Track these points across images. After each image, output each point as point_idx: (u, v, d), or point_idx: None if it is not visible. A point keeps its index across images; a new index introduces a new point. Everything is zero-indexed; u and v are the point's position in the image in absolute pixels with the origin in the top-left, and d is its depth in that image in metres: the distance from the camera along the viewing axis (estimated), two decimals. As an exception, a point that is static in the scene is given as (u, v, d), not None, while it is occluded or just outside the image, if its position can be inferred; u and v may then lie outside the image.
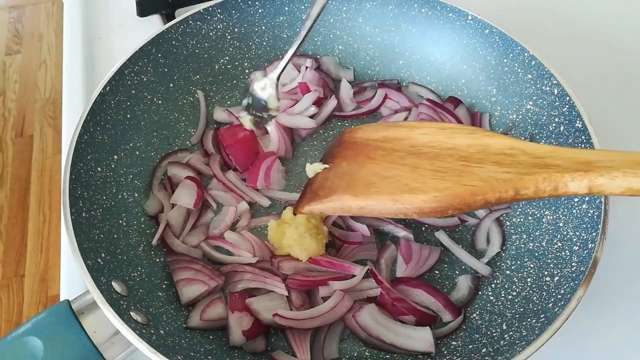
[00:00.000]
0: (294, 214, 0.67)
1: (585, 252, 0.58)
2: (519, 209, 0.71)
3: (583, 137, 0.66)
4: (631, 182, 0.42)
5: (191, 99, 0.82)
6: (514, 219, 0.71)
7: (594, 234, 0.58)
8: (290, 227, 0.65)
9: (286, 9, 0.85)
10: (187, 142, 0.80)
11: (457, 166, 0.53)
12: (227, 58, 0.85)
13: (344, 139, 0.67)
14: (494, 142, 0.53)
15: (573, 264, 0.59)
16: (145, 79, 0.76)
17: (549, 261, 0.63)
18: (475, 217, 0.73)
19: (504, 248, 0.70)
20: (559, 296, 0.56)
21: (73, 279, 0.70)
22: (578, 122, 0.67)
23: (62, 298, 0.66)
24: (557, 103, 0.70)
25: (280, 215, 0.70)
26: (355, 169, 0.60)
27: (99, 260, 0.58)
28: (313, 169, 0.66)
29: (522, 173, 0.48)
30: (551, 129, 0.71)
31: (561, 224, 0.64)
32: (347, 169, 0.61)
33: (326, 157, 0.68)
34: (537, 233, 0.67)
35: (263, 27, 0.86)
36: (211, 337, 0.62)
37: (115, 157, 0.70)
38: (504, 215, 0.72)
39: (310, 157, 0.79)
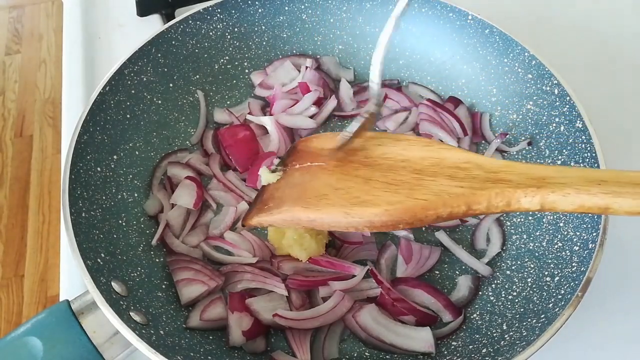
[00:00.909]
0: (242, 225, 0.64)
1: (585, 252, 0.58)
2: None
3: (583, 137, 0.65)
4: (584, 200, 0.42)
5: (191, 98, 0.82)
6: (514, 219, 0.71)
7: (594, 234, 0.58)
8: (290, 227, 0.64)
9: (286, 8, 0.85)
10: (187, 142, 0.80)
11: (411, 179, 0.52)
12: (227, 58, 0.85)
13: (299, 148, 0.65)
14: (449, 155, 0.52)
15: (573, 264, 0.59)
16: (145, 79, 0.76)
17: (550, 261, 0.63)
18: (476, 217, 0.72)
19: (504, 248, 0.70)
20: (560, 296, 0.56)
21: (73, 279, 0.70)
22: (578, 122, 0.67)
23: (61, 298, 0.66)
24: (557, 103, 0.70)
25: None
26: (307, 179, 0.58)
27: (99, 260, 0.58)
28: (267, 178, 0.63)
29: (475, 188, 0.48)
30: (551, 129, 0.71)
31: (561, 224, 0.64)
32: (300, 179, 0.59)
33: (280, 165, 0.65)
34: (537, 233, 0.67)
35: (263, 27, 0.86)
36: (211, 337, 0.62)
37: (115, 157, 0.70)
38: (504, 215, 0.72)
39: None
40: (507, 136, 0.76)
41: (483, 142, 0.80)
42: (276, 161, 0.70)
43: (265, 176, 0.63)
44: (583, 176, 0.43)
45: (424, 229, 0.72)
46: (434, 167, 0.52)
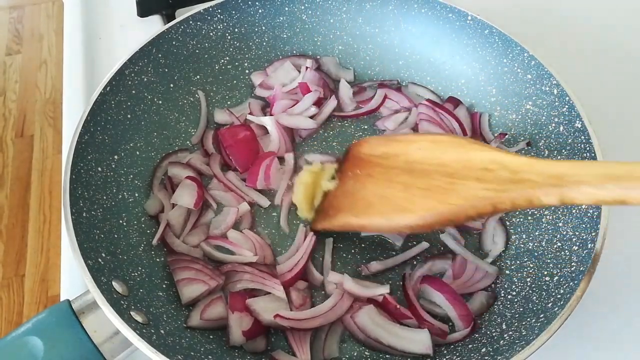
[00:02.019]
0: (311, 230, 0.71)
1: (584, 252, 0.58)
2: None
3: (582, 137, 0.66)
4: (600, 196, 0.46)
5: (191, 99, 0.82)
6: (513, 219, 0.71)
7: (593, 233, 0.58)
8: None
9: (286, 9, 0.86)
10: (188, 142, 0.80)
11: (444, 184, 0.57)
12: (227, 58, 0.85)
13: (352, 154, 0.72)
14: (477, 156, 0.57)
15: (572, 264, 0.59)
16: (145, 79, 0.76)
17: (549, 261, 0.63)
18: (480, 220, 0.72)
19: (504, 248, 0.70)
20: (559, 296, 0.57)
21: (73, 278, 0.70)
22: (577, 122, 0.67)
23: (62, 298, 0.66)
24: (556, 103, 0.71)
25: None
26: (358, 189, 0.66)
27: (100, 260, 0.58)
28: (326, 186, 0.71)
29: (499, 190, 0.52)
30: (551, 129, 0.71)
31: (561, 224, 0.65)
32: (352, 188, 0.67)
33: (337, 170, 0.73)
34: (536, 233, 0.67)
35: (263, 28, 0.86)
36: (211, 336, 0.62)
37: (116, 157, 0.70)
38: (504, 214, 0.72)
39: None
40: (506, 136, 0.77)
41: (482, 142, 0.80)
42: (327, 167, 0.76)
43: (325, 185, 0.71)
44: (599, 173, 0.46)
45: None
46: (465, 169, 0.57)
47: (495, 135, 0.78)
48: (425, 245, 0.69)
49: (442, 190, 0.57)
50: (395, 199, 0.60)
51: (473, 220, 0.68)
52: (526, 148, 0.74)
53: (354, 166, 0.70)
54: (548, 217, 0.67)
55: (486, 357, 0.56)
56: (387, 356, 0.62)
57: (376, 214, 0.61)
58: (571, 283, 0.56)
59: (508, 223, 0.71)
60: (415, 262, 0.69)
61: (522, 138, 0.75)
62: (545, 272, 0.62)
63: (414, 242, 0.70)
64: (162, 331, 0.57)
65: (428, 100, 0.81)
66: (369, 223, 0.62)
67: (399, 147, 0.65)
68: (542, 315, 0.56)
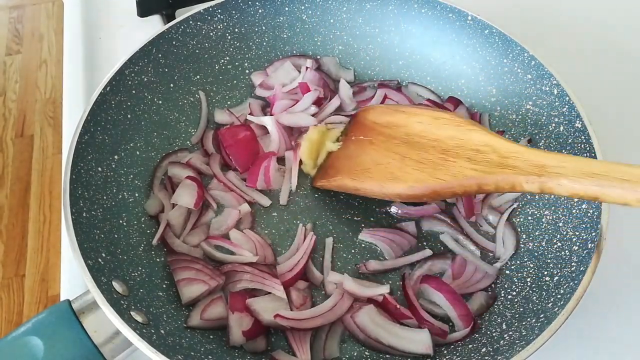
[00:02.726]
0: (312, 185, 0.76)
1: (584, 252, 0.58)
2: (519, 209, 0.71)
3: (582, 137, 0.66)
4: (576, 189, 0.49)
5: (191, 99, 0.82)
6: (513, 219, 0.71)
7: (593, 233, 0.58)
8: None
9: (286, 9, 0.86)
10: (188, 142, 0.80)
11: (437, 159, 0.60)
12: (227, 58, 0.85)
13: (358, 118, 0.76)
14: (473, 137, 0.59)
15: (572, 264, 0.59)
16: (145, 79, 0.76)
17: (549, 261, 0.63)
18: (491, 226, 0.72)
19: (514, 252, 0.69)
20: (559, 296, 0.57)
21: (73, 278, 0.70)
22: (577, 122, 0.67)
23: (62, 298, 0.66)
24: (556, 103, 0.71)
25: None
26: (358, 153, 0.70)
27: (100, 260, 0.58)
28: (330, 147, 0.75)
29: (486, 172, 0.55)
30: (551, 129, 0.71)
31: (561, 224, 0.65)
32: (353, 152, 0.71)
33: (343, 133, 0.77)
34: (536, 233, 0.67)
35: (263, 28, 0.86)
36: (211, 336, 0.62)
37: (116, 157, 0.70)
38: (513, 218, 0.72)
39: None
40: (506, 135, 0.77)
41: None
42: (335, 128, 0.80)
43: (329, 146, 0.75)
44: (578, 167, 0.50)
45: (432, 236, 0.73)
46: (458, 148, 0.60)
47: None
48: (428, 252, 0.69)
49: (434, 164, 0.60)
50: (390, 167, 0.64)
51: (458, 197, 0.71)
52: (528, 146, 0.73)
53: (358, 131, 0.73)
54: (548, 217, 0.67)
55: (486, 357, 0.56)
56: (387, 356, 0.62)
57: (371, 179, 0.65)
58: (571, 283, 0.56)
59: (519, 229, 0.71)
60: (414, 262, 0.69)
61: (522, 138, 0.75)
62: (546, 272, 0.62)
63: (423, 244, 0.70)
64: (162, 331, 0.57)
65: (428, 100, 0.81)
66: (363, 186, 0.66)
67: (402, 119, 0.68)
68: (542, 316, 0.56)
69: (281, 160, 0.78)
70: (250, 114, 0.82)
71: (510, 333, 0.58)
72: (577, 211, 0.63)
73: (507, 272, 0.67)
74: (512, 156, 0.55)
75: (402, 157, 0.64)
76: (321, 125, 0.79)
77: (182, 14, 0.80)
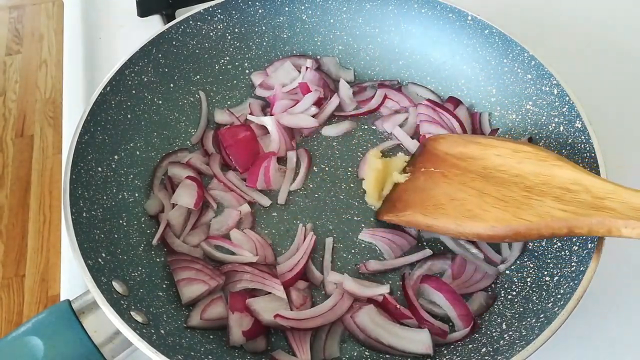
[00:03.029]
0: (377, 219, 0.71)
1: (584, 252, 0.58)
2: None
3: (583, 137, 0.66)
4: None
5: (191, 99, 0.82)
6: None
7: (593, 233, 0.58)
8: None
9: (286, 9, 0.86)
10: (188, 142, 0.80)
11: (520, 197, 0.55)
12: (227, 58, 0.85)
13: (427, 148, 0.71)
14: (560, 173, 0.55)
15: (573, 264, 0.59)
16: (145, 79, 0.76)
17: (549, 261, 0.63)
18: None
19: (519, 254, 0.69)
20: (559, 296, 0.57)
21: (73, 278, 0.70)
22: (578, 122, 0.67)
23: (62, 298, 0.66)
24: (556, 103, 0.71)
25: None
26: (430, 186, 0.65)
27: (100, 260, 0.58)
28: (397, 178, 0.71)
29: (578, 214, 0.50)
30: (551, 129, 0.71)
31: (561, 224, 0.64)
32: (423, 184, 0.66)
33: (410, 163, 0.73)
34: (536, 233, 0.67)
35: (263, 28, 0.86)
36: (211, 336, 0.62)
37: (116, 157, 0.70)
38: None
39: (313, 157, 0.79)
40: (504, 134, 0.77)
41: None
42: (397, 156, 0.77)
43: (396, 177, 0.71)
44: None
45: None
46: (544, 185, 0.55)
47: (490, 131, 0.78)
48: (428, 252, 0.68)
49: (517, 203, 0.55)
50: (467, 204, 0.59)
51: (544, 239, 0.63)
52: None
53: (428, 162, 0.69)
54: (548, 217, 0.67)
55: (486, 357, 0.56)
56: (387, 356, 0.62)
57: (446, 215, 0.60)
58: (571, 283, 0.56)
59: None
60: (414, 262, 0.69)
61: (522, 137, 0.75)
62: (546, 272, 0.62)
63: (423, 244, 0.70)
64: (162, 331, 0.57)
65: (428, 100, 0.81)
66: (437, 224, 0.61)
67: (478, 150, 0.64)
68: (542, 315, 0.56)
69: (281, 160, 0.78)
70: (251, 114, 0.82)
71: (510, 333, 0.58)
72: (577, 211, 0.63)
73: (507, 272, 0.67)
74: (608, 197, 0.50)
75: (480, 193, 0.59)
76: (374, 150, 0.76)
77: (182, 14, 0.80)
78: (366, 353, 0.62)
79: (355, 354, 0.62)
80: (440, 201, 0.62)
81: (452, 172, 0.64)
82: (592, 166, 0.63)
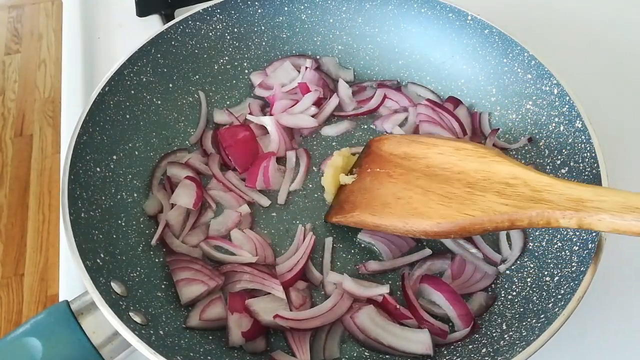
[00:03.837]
0: (325, 221, 0.72)
1: (585, 252, 0.58)
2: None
3: (583, 137, 0.65)
4: (617, 225, 0.46)
5: (190, 99, 0.82)
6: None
7: (593, 234, 0.58)
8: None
9: (285, 9, 0.85)
10: (187, 142, 0.80)
11: (463, 193, 0.57)
12: (226, 58, 0.85)
13: (371, 149, 0.72)
14: (499, 169, 0.56)
15: (573, 264, 0.59)
16: (144, 79, 0.76)
17: (549, 261, 0.63)
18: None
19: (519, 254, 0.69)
20: (559, 296, 0.56)
21: (72, 279, 0.70)
22: (578, 122, 0.67)
23: (61, 298, 0.66)
24: (556, 103, 0.70)
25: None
26: (375, 187, 0.66)
27: (98, 260, 0.58)
28: (344, 179, 0.71)
29: (518, 207, 0.52)
30: (551, 128, 0.71)
31: (561, 224, 0.64)
32: (370, 185, 0.67)
33: (356, 165, 0.73)
34: (536, 233, 0.67)
35: (262, 28, 0.86)
36: (210, 337, 0.62)
37: (115, 157, 0.70)
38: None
39: (313, 157, 0.79)
40: (503, 133, 0.77)
41: (483, 141, 0.79)
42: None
43: (343, 179, 0.71)
44: (619, 202, 0.47)
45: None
46: (485, 181, 0.56)
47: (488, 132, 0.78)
48: (427, 252, 0.68)
49: (461, 199, 0.57)
50: (413, 202, 0.60)
51: (488, 233, 0.64)
52: (528, 146, 0.73)
53: (373, 163, 0.69)
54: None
55: (486, 358, 0.56)
56: (387, 356, 0.62)
57: (393, 214, 0.61)
58: (572, 283, 0.56)
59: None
60: (414, 262, 0.68)
61: (522, 137, 0.75)
62: (546, 272, 0.62)
63: (422, 244, 0.70)
64: (161, 332, 0.57)
65: (428, 100, 0.81)
66: (384, 223, 0.62)
67: (421, 150, 0.65)
68: (542, 316, 0.56)
69: (281, 160, 0.78)
70: (250, 113, 0.82)
71: (511, 333, 0.58)
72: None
73: (507, 272, 0.67)
74: (546, 189, 0.52)
75: (425, 190, 0.60)
76: (345, 149, 0.76)
77: (181, 14, 0.79)
78: (366, 353, 0.62)
79: (355, 354, 0.62)
80: (386, 200, 0.63)
81: (397, 171, 0.65)
82: (592, 166, 0.63)
